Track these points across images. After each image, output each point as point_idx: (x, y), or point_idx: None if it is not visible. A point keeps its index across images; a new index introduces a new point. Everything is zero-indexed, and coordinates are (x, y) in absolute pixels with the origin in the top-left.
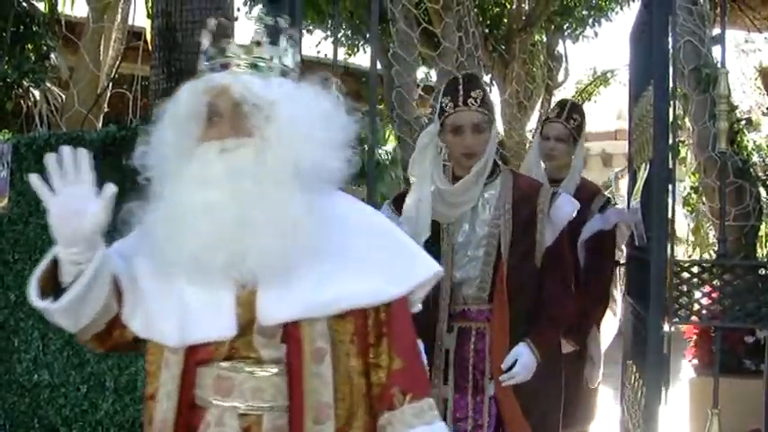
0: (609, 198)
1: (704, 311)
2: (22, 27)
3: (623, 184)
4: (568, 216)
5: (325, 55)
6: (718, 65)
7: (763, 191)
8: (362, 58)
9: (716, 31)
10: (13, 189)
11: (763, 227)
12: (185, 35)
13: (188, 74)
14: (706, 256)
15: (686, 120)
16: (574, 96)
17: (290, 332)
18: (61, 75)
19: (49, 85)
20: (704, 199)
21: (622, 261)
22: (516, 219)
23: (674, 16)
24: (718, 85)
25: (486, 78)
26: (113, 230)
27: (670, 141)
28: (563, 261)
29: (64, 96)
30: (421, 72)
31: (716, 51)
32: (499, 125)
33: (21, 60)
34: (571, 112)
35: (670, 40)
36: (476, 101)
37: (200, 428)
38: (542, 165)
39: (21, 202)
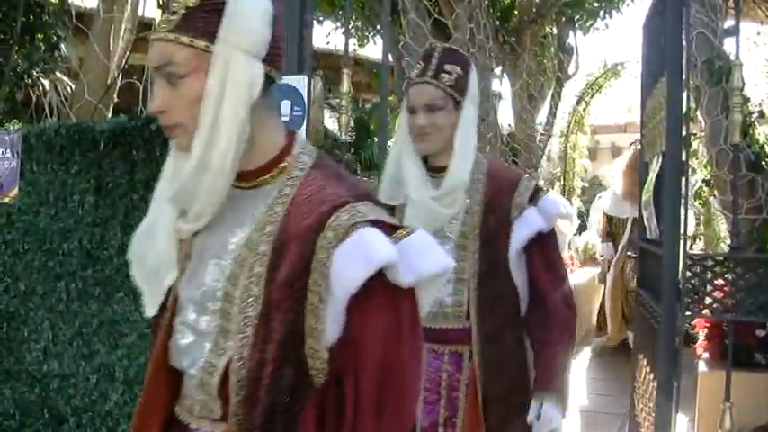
0: (539, 185)
1: (717, 305)
2: (32, 17)
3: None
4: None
5: (335, 46)
6: (731, 57)
7: None
8: (373, 49)
9: (728, 23)
10: (23, 179)
11: None
12: None
13: None
14: (718, 249)
15: (698, 113)
16: (584, 89)
17: None
18: (71, 65)
19: (58, 75)
20: (716, 192)
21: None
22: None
23: (688, 8)
24: (731, 78)
25: (497, 70)
26: (124, 220)
27: (683, 134)
28: (561, 270)
29: (74, 86)
30: None
31: (728, 44)
32: (509, 118)
33: (31, 50)
34: (442, 63)
35: (683, 31)
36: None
37: None
38: (413, 151)
39: (31, 193)
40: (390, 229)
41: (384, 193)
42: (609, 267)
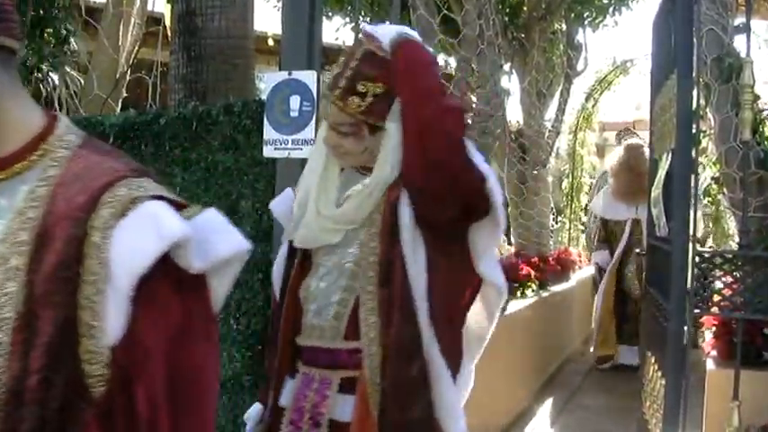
0: None
1: (725, 303)
2: (41, 11)
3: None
4: None
5: (344, 42)
6: (742, 54)
7: None
8: None
9: (738, 20)
10: None
11: None
12: (205, 20)
13: (208, 59)
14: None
15: (707, 110)
16: (593, 86)
17: None
18: (80, 59)
19: (68, 69)
20: (725, 190)
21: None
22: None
23: (698, 5)
24: (742, 75)
25: (506, 67)
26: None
27: (693, 131)
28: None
29: (83, 81)
30: (440, 60)
31: (737, 41)
32: (518, 114)
33: (40, 45)
34: (355, 81)
35: (694, 28)
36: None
37: None
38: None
39: None
40: (176, 207)
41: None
42: (600, 276)
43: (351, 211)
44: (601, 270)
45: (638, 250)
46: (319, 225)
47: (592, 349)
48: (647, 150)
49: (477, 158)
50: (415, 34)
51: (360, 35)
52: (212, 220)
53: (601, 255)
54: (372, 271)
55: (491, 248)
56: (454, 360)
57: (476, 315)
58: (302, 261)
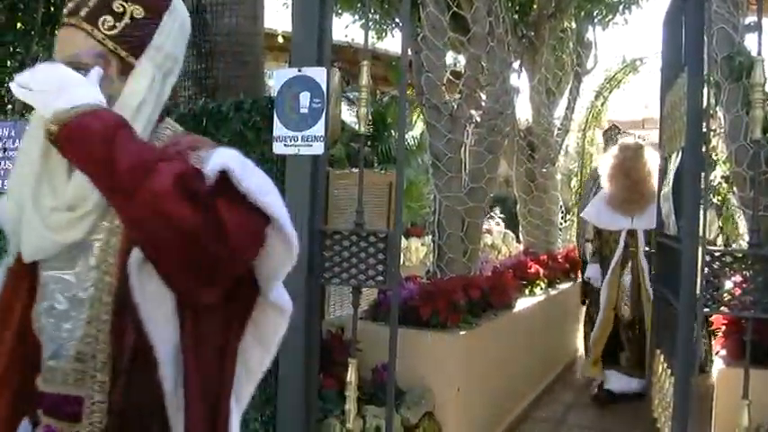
0: None
1: (735, 302)
2: (52, 8)
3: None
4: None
5: (353, 39)
6: (752, 53)
7: None
8: (391, 43)
9: (749, 18)
10: None
11: None
12: (215, 16)
13: (218, 56)
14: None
15: (717, 108)
16: (603, 84)
17: None
18: None
19: None
20: (735, 189)
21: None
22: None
23: (709, 3)
24: (753, 74)
25: (516, 65)
26: None
27: (703, 129)
28: None
29: None
30: (449, 57)
31: (748, 39)
32: (527, 112)
33: (51, 41)
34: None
35: (704, 27)
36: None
37: None
38: None
39: None
40: None
41: None
42: (586, 291)
43: (84, 182)
44: (586, 284)
45: (646, 248)
46: (46, 222)
47: (580, 370)
48: (647, 150)
49: (253, 184)
50: None
51: None
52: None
53: (593, 269)
54: (108, 293)
55: (283, 271)
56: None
57: (247, 347)
58: (31, 280)
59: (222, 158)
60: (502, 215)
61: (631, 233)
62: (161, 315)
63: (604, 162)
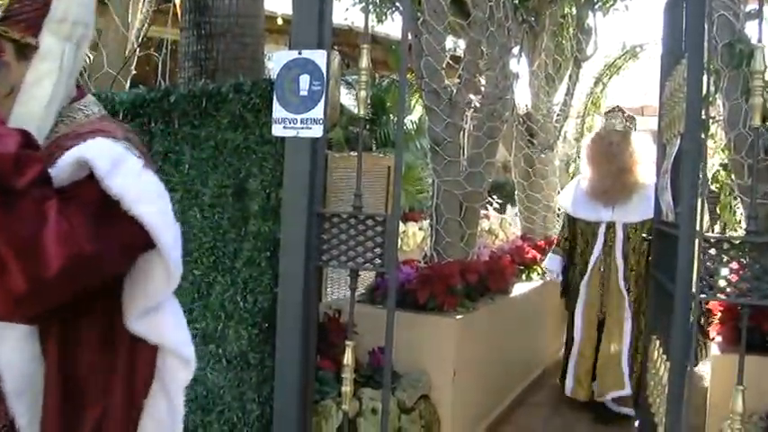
0: None
1: (731, 288)
2: None
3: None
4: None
5: (353, 22)
6: (753, 40)
7: None
8: (390, 27)
9: (750, 6)
10: None
11: None
12: None
13: (218, 37)
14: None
15: (717, 96)
16: (602, 71)
17: None
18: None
19: None
20: (733, 176)
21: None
22: None
23: None
24: (753, 61)
25: (515, 50)
26: None
27: (702, 116)
28: None
29: (93, 58)
30: (449, 42)
31: (749, 27)
32: (527, 97)
33: None
34: None
35: (705, 13)
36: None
37: None
38: None
39: None
40: None
41: None
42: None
43: None
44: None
45: (644, 235)
46: None
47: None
48: (636, 136)
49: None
50: None
51: None
52: None
53: (554, 261)
54: None
55: (158, 299)
56: None
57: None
58: None
59: (88, 150)
60: (500, 201)
61: (610, 226)
62: (10, 339)
63: (587, 143)
